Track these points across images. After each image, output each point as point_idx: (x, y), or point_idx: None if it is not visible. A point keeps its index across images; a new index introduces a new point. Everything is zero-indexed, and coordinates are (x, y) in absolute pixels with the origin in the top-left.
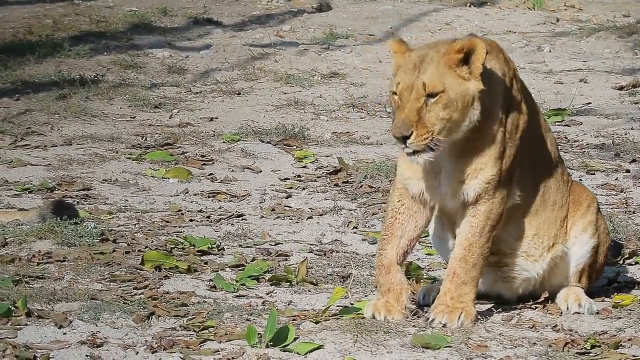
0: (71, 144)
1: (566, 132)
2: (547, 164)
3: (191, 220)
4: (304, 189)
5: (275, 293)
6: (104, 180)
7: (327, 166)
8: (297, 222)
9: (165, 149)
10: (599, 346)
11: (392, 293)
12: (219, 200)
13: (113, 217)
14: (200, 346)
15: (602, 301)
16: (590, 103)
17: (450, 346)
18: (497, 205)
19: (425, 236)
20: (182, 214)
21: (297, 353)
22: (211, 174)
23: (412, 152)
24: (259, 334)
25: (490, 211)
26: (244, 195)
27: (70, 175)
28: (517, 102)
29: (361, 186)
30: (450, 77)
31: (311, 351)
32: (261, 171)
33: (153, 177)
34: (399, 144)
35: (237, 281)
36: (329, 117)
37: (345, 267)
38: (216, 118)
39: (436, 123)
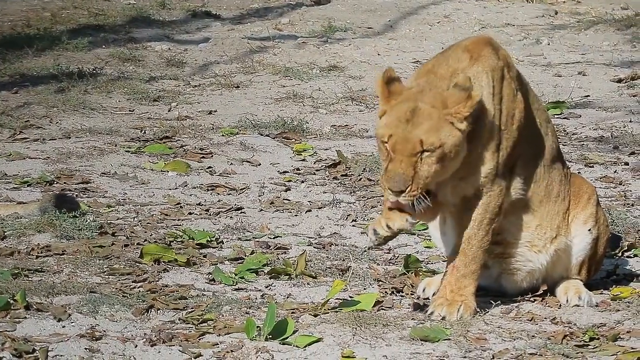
0: (70, 137)
1: (565, 125)
2: (550, 155)
3: (190, 214)
4: (302, 182)
5: (274, 286)
6: (102, 173)
7: (325, 159)
8: (296, 215)
9: (164, 142)
10: (598, 338)
11: None
12: (218, 194)
13: (112, 210)
14: (199, 339)
15: (600, 294)
16: (588, 96)
17: (449, 339)
18: (495, 198)
19: (425, 229)
20: (181, 207)
21: (296, 346)
22: (210, 167)
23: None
24: (258, 327)
25: (489, 204)
26: (243, 189)
27: (69, 168)
28: (510, 92)
29: (360, 179)
30: (446, 130)
31: (310, 344)
32: (260, 164)
33: (152, 170)
34: (392, 194)
35: (236, 274)
36: (327, 110)
37: (344, 260)
38: (215, 111)
39: (428, 176)
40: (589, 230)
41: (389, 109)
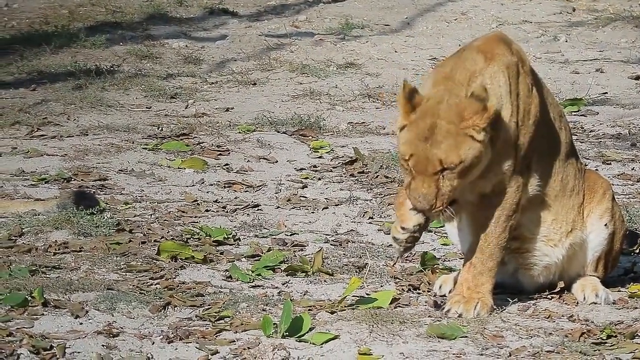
0: (87, 134)
1: (582, 122)
2: (565, 150)
3: (207, 211)
4: (319, 179)
5: (291, 283)
6: (120, 170)
7: (342, 156)
8: (312, 213)
9: (181, 139)
10: (615, 336)
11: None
12: (235, 191)
13: (129, 208)
14: (216, 336)
15: (618, 291)
16: (606, 93)
17: (466, 336)
18: (513, 194)
19: (441, 226)
20: (198, 204)
21: (313, 343)
22: (227, 164)
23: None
24: (274, 324)
25: (506, 201)
26: (260, 186)
27: (87, 165)
28: (526, 87)
29: (377, 176)
30: (465, 145)
31: (327, 341)
32: (277, 161)
33: (169, 167)
34: (417, 211)
35: (252, 271)
36: (344, 107)
37: (361, 257)
38: (232, 108)
39: (451, 191)
40: (605, 225)
41: (408, 123)
